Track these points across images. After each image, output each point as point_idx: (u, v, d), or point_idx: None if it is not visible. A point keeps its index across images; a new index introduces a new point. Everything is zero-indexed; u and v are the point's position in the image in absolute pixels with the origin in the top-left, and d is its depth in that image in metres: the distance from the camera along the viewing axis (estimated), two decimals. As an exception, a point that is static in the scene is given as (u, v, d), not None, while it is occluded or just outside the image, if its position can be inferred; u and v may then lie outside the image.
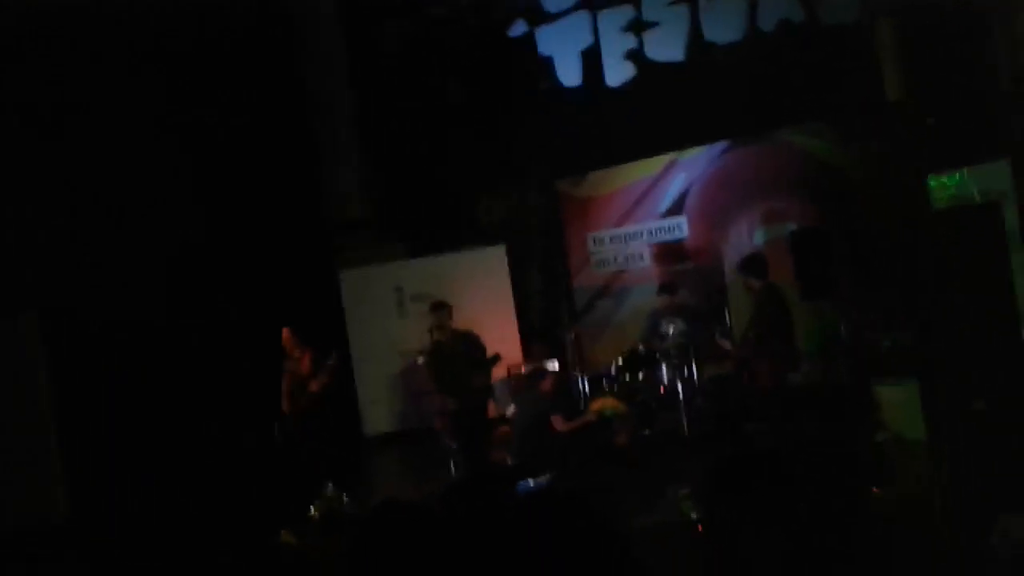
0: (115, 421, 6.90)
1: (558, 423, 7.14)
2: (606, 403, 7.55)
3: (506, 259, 9.05)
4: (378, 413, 8.74)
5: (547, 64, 9.44)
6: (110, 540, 6.06)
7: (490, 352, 7.86)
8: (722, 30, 8.81)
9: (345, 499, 6.34)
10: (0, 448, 7.21)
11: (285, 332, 7.26)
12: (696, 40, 8.90)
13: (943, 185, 7.99)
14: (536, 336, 8.92)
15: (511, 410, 7.54)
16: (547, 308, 9.60)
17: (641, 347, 8.10)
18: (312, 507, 6.25)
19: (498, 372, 8.21)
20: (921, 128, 7.90)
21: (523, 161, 9.35)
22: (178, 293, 7.70)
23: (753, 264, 7.45)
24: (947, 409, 6.33)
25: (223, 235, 8.21)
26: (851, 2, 8.19)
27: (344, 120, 9.94)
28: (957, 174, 7.96)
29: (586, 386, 8.21)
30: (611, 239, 9.50)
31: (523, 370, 8.33)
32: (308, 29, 10.14)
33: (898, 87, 5.27)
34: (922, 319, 6.97)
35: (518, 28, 9.56)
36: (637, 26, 9.13)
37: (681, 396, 7.81)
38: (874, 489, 6.23)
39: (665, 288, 8.36)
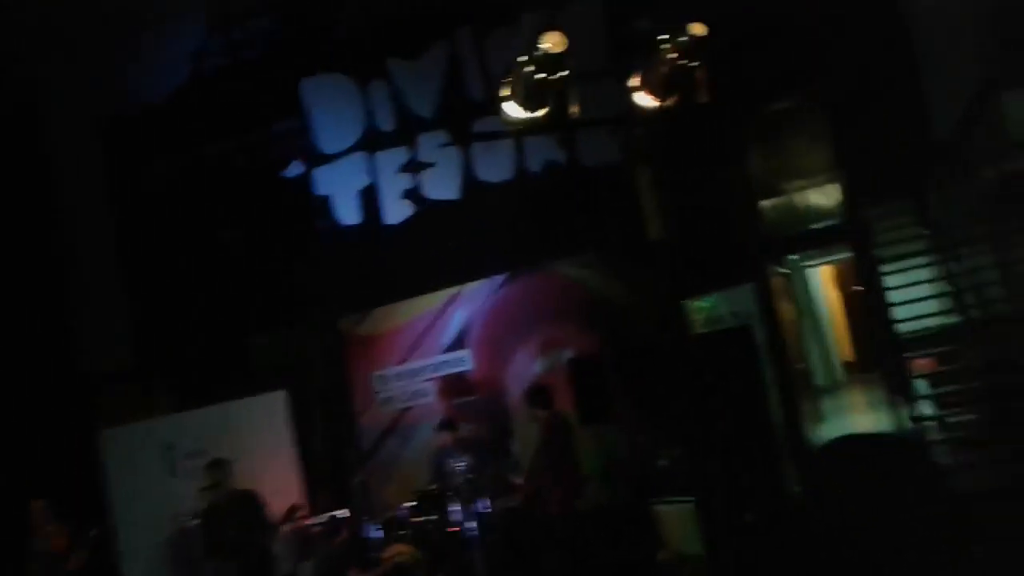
0: None
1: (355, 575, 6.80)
2: (399, 550, 7.27)
3: (285, 405, 8.66)
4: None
5: (325, 204, 9.44)
6: None
7: (274, 507, 7.41)
8: (493, 170, 9.23)
9: None
10: None
11: (35, 505, 6.47)
12: (469, 179, 9.26)
13: (700, 308, 8.66)
14: (322, 485, 8.53)
15: (308, 569, 7.10)
16: (332, 453, 9.26)
17: (433, 486, 7.96)
18: None
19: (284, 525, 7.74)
20: (678, 260, 8.58)
21: (301, 302, 9.16)
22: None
23: (537, 395, 7.63)
24: (721, 524, 6.66)
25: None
26: (608, 146, 8.87)
27: (106, 263, 9.37)
28: (710, 299, 8.67)
29: (380, 531, 7.89)
30: (396, 376, 9.43)
31: (310, 522, 7.91)
32: (66, 166, 9.62)
33: (657, 226, 5.74)
34: (693, 439, 7.39)
35: (294, 169, 9.55)
36: (414, 166, 9.38)
37: (475, 533, 7.70)
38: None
39: (444, 425, 8.32)
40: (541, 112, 4.91)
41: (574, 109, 4.92)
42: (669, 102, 5.00)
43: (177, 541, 8.01)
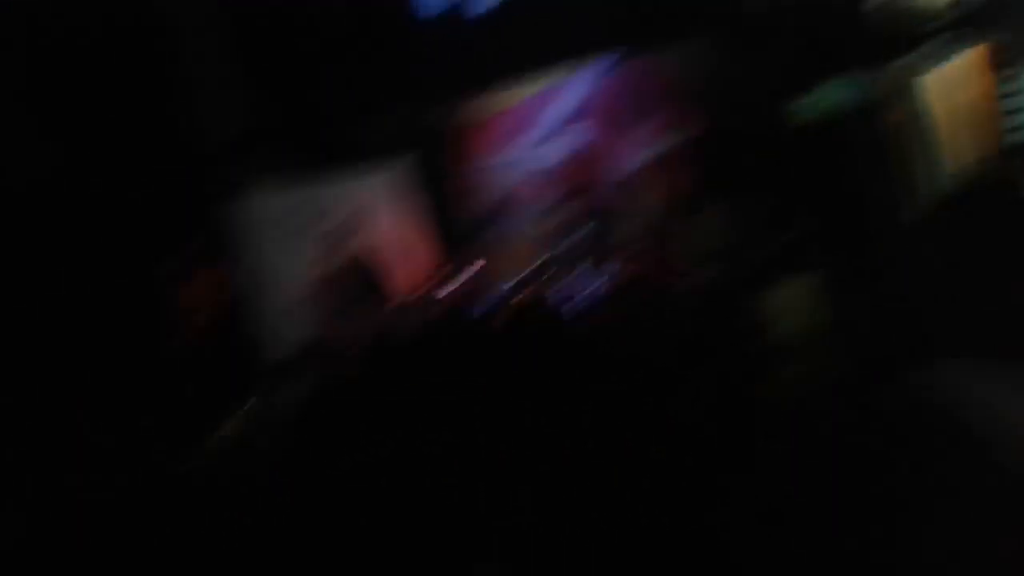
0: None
1: None
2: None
3: (401, 180, 8.79)
4: (278, 340, 8.39)
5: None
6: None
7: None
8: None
9: (252, 424, 6.07)
10: None
11: (183, 252, 6.84)
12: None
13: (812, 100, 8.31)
14: (456, 246, 8.74)
15: None
16: (446, 234, 9.41)
17: (548, 254, 8.16)
18: (216, 433, 5.95)
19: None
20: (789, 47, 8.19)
21: (398, 90, 9.06)
22: (61, 212, 7.15)
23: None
24: (850, 294, 6.60)
25: (103, 167, 7.65)
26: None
27: (220, 55, 9.40)
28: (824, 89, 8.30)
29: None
30: (502, 164, 9.40)
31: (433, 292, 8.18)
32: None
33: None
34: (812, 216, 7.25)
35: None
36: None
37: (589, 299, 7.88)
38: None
39: (563, 201, 8.41)
40: None
41: None
42: None
43: (302, 304, 8.40)
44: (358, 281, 7.52)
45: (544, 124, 9.26)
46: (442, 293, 7.75)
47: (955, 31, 8.60)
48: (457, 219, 9.33)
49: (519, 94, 9.27)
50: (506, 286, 8.14)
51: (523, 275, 8.00)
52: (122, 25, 8.25)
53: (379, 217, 8.49)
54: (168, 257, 6.90)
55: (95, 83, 8.00)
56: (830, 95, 8.20)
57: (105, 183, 7.72)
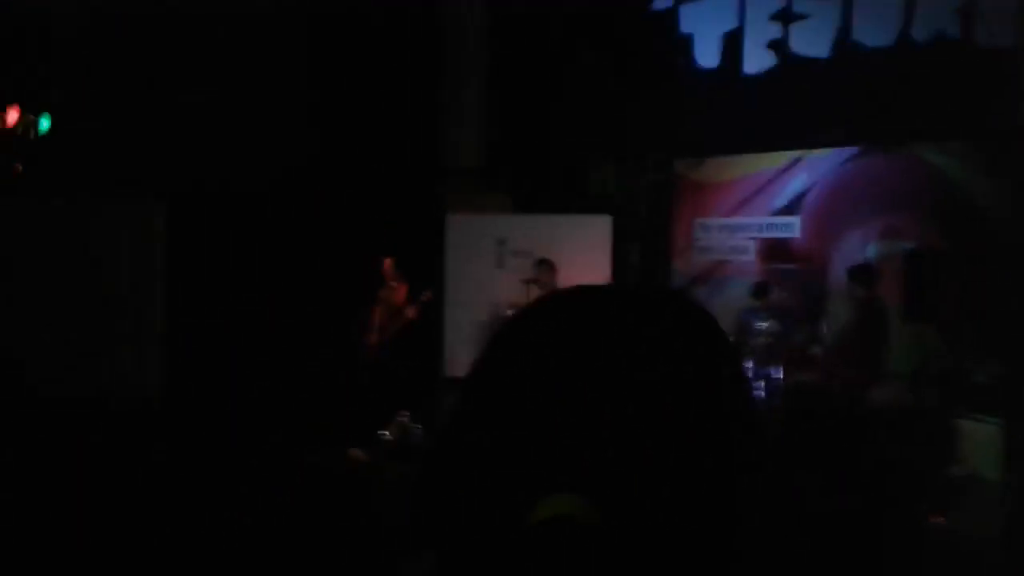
0: (218, 314, 7.33)
1: None
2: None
3: (610, 230, 9.08)
4: (461, 357, 8.96)
5: (686, 42, 9.35)
6: (193, 425, 6.48)
7: None
8: (873, 33, 8.54)
9: (418, 429, 6.59)
10: (110, 320, 7.78)
11: (387, 261, 7.53)
12: (844, 39, 8.66)
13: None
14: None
15: None
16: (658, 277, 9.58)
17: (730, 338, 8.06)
18: (386, 431, 6.50)
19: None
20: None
21: (645, 136, 9.33)
22: (294, 205, 8.05)
23: (862, 273, 7.33)
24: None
25: (344, 159, 8.53)
26: (1010, 26, 7.85)
27: (475, 71, 10.10)
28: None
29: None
30: (719, 228, 9.43)
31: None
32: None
33: None
34: (1017, 357, 6.76)
35: (663, 2, 9.50)
36: (785, 16, 8.93)
37: (762, 396, 7.77)
38: (938, 518, 6.12)
39: (759, 289, 8.29)
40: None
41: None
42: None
43: (493, 325, 8.93)
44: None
45: (775, 201, 9.20)
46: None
47: None
48: (657, 279, 9.52)
49: (754, 165, 9.30)
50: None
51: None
52: (397, 35, 9.11)
53: (584, 260, 8.79)
54: (376, 261, 7.57)
55: (362, 85, 8.93)
56: None
57: (348, 179, 8.63)
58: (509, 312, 8.43)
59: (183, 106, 7.46)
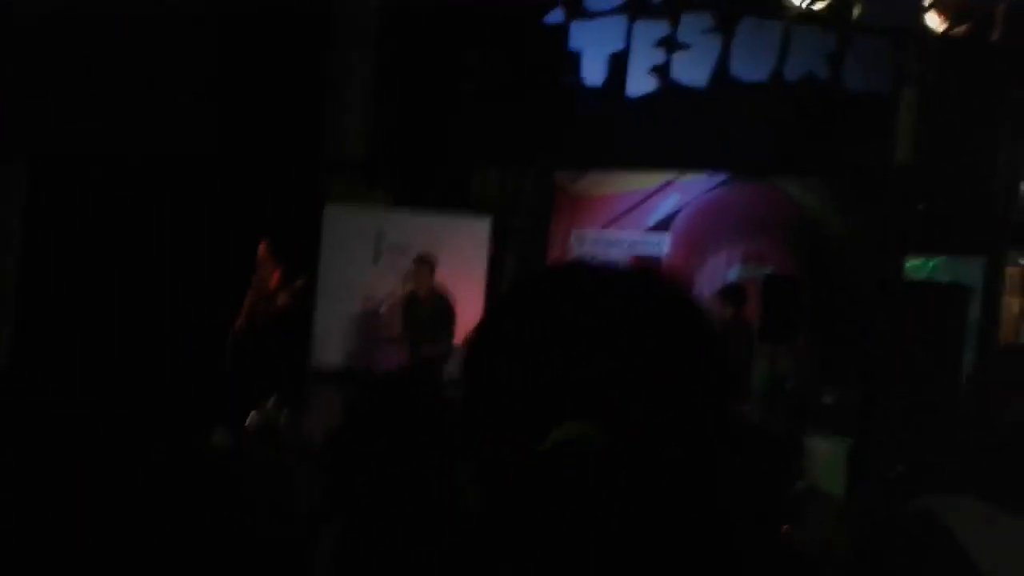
0: (78, 283, 6.93)
1: None
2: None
3: (488, 233, 9.15)
4: (331, 348, 8.80)
5: (575, 58, 9.56)
6: (43, 399, 6.09)
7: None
8: (748, 68, 9.00)
9: (284, 415, 6.41)
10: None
11: (263, 244, 7.30)
12: (721, 71, 9.08)
13: (917, 268, 8.30)
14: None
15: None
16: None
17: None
18: (251, 416, 6.30)
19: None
20: (911, 210, 8.19)
21: (528, 146, 9.47)
22: (169, 181, 7.73)
23: (733, 293, 7.68)
24: (870, 470, 6.59)
25: (225, 139, 8.25)
26: (878, 73, 8.42)
27: (364, 60, 9.98)
28: (933, 261, 8.27)
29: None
30: (595, 240, 9.67)
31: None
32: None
33: (906, 151, 5.58)
34: (868, 381, 7.24)
35: (555, 16, 9.67)
36: (669, 43, 9.28)
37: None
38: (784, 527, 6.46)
39: None
40: (821, 4, 4.80)
41: (856, 10, 4.77)
42: (958, 29, 4.76)
43: (364, 321, 8.81)
44: (431, 313, 7.82)
45: (647, 219, 9.50)
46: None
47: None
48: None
49: (629, 183, 9.59)
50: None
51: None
52: (287, 18, 8.89)
53: (461, 261, 8.80)
54: (255, 243, 7.35)
55: (248, 66, 8.66)
56: (943, 270, 8.13)
57: (226, 161, 8.34)
58: (382, 309, 8.37)
59: (60, 70, 7.04)
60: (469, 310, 8.59)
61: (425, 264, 7.89)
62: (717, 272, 9.10)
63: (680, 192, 9.43)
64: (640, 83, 9.36)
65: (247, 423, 6.18)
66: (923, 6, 4.85)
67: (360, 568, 1.86)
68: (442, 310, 7.88)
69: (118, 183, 7.45)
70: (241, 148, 8.38)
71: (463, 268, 8.68)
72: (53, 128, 7.00)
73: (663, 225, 9.45)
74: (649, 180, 9.53)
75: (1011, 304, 8.60)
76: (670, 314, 0.86)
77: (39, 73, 6.92)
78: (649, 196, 9.54)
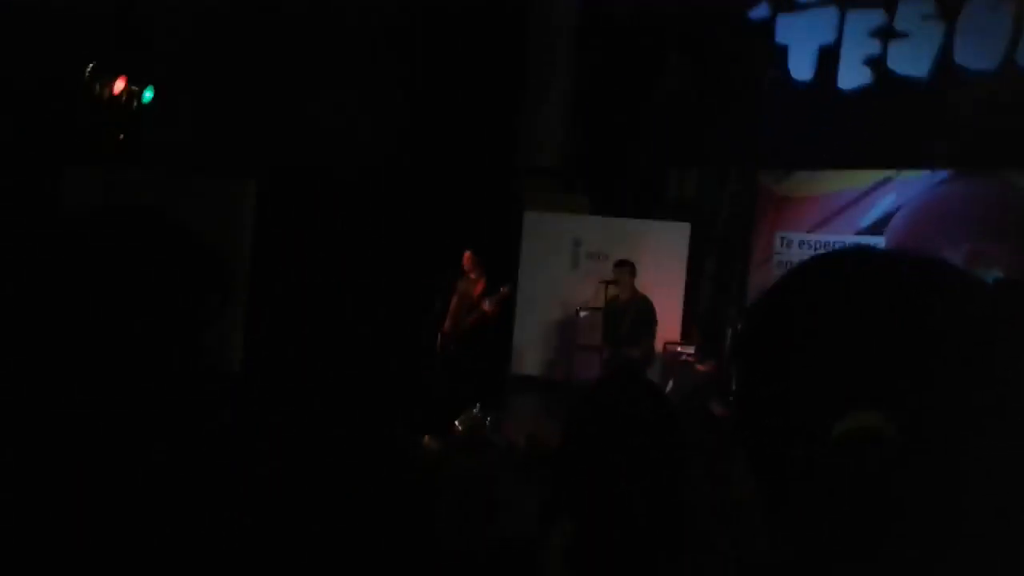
0: (301, 293, 7.41)
1: (717, 408, 7.10)
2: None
3: (688, 238, 8.97)
4: (530, 355, 8.93)
5: (781, 53, 9.17)
6: (274, 402, 6.55)
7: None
8: (975, 56, 8.29)
9: (488, 422, 6.57)
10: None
11: (467, 253, 7.53)
12: (945, 61, 8.42)
13: None
14: (700, 321, 8.83)
15: (669, 386, 7.54)
16: (717, 296, 9.47)
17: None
18: (457, 422, 6.50)
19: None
20: None
21: (730, 145, 9.19)
22: (378, 193, 8.10)
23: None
24: None
25: (428, 151, 8.55)
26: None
27: (561, 71, 10.04)
28: None
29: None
30: (800, 243, 9.25)
31: (679, 349, 8.30)
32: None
33: None
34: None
35: (760, 11, 9.33)
36: (885, 33, 8.71)
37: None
38: None
39: None
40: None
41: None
42: None
43: (563, 327, 8.88)
44: (633, 316, 7.79)
45: (860, 220, 9.00)
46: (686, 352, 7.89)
47: None
48: (733, 291, 9.37)
49: (841, 182, 9.12)
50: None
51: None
52: (485, 31, 9.10)
53: (660, 266, 8.68)
54: (455, 253, 7.59)
55: (448, 79, 8.94)
56: None
57: (430, 172, 8.65)
58: (581, 315, 8.37)
59: (278, 90, 7.56)
60: (669, 314, 8.47)
61: (626, 267, 7.85)
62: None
63: (897, 191, 8.84)
64: (853, 76, 8.83)
65: (455, 428, 6.38)
66: None
67: (592, 570, 1.89)
68: (644, 312, 7.82)
69: (333, 196, 7.89)
70: (442, 158, 8.66)
71: (663, 273, 8.57)
72: (277, 146, 7.51)
73: (878, 227, 8.89)
74: (862, 179, 9.00)
75: None
76: (961, 301, 0.82)
77: (261, 95, 7.45)
78: (863, 196, 9.01)
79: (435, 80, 8.99)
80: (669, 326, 8.50)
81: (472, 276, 7.57)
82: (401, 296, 7.86)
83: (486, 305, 7.47)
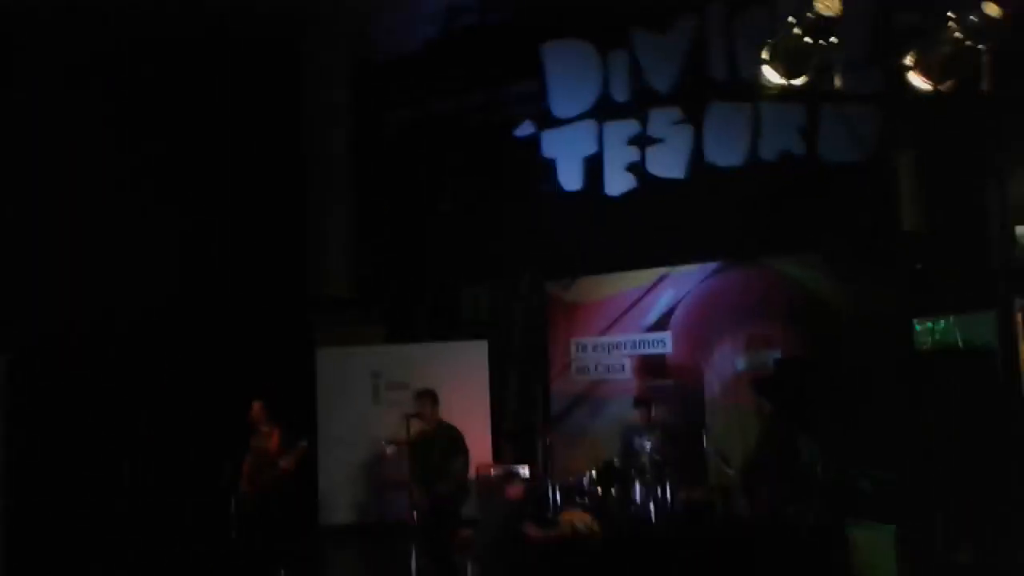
0: (65, 467, 6.61)
1: (532, 530, 6.85)
2: (578, 516, 7.25)
3: (487, 355, 8.90)
4: (337, 502, 8.37)
5: (549, 167, 9.51)
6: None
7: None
8: (723, 153, 8.93)
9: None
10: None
11: (256, 405, 6.99)
12: (697, 160, 9.02)
13: (928, 330, 8.02)
14: (509, 438, 8.68)
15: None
16: (522, 410, 9.41)
17: (616, 460, 7.88)
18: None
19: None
20: (911, 272, 7.99)
21: (515, 260, 9.33)
22: (153, 348, 7.47)
23: (767, 385, 7.40)
24: (924, 556, 6.17)
25: (206, 297, 8.03)
26: (850, 143, 8.36)
27: (340, 199, 9.92)
28: (943, 320, 8.00)
29: (557, 495, 7.90)
30: (594, 347, 9.43)
31: (492, 472, 8.06)
32: (316, 107, 10.23)
33: (911, 216, 5.45)
34: (905, 462, 6.86)
35: (525, 129, 9.67)
36: (641, 140, 9.25)
37: (653, 517, 7.56)
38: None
39: (639, 402, 8.26)
40: (800, 80, 4.69)
41: (837, 82, 4.67)
42: (945, 86, 4.64)
43: (371, 467, 8.42)
44: (440, 448, 7.43)
45: (645, 318, 9.28)
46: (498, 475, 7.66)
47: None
48: (537, 403, 9.35)
49: (622, 284, 9.41)
50: (575, 484, 7.90)
51: (585, 478, 7.76)
52: (261, 165, 8.82)
53: (462, 387, 8.51)
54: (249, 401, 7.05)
55: (223, 218, 8.52)
56: (951, 330, 7.84)
57: (211, 319, 8.10)
58: (388, 451, 7.95)
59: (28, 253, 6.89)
60: (478, 435, 8.26)
61: (427, 397, 7.51)
62: (724, 362, 8.83)
63: (674, 286, 9.25)
64: (618, 182, 9.27)
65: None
66: (904, 66, 4.73)
67: None
68: (452, 441, 7.47)
69: (102, 357, 7.19)
70: (225, 304, 8.17)
71: (466, 395, 8.40)
72: (32, 314, 6.80)
73: (662, 322, 9.22)
74: (641, 278, 9.36)
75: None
76: None
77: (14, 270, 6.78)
78: (644, 294, 9.35)
79: (210, 220, 8.55)
80: (480, 447, 8.28)
81: (264, 429, 7.01)
82: (191, 460, 7.17)
83: (283, 463, 6.90)
